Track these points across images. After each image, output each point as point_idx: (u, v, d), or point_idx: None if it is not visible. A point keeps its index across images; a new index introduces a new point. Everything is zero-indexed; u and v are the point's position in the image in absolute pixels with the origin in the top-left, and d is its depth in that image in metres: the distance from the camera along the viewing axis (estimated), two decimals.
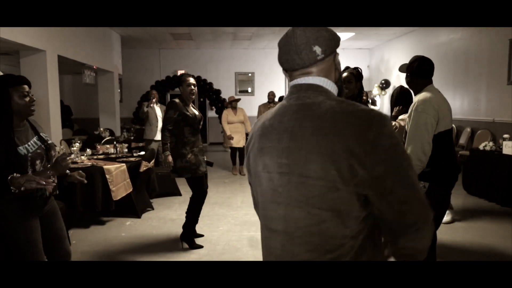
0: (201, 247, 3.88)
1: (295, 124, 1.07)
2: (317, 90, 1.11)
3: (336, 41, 1.13)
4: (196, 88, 3.81)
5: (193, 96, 3.80)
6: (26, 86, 2.09)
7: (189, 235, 3.90)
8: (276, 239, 1.11)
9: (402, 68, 2.73)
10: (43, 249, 2.20)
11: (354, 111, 1.03)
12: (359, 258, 1.06)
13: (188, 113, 3.72)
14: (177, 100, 3.78)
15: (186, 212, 3.88)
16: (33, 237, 2.13)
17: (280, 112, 1.14)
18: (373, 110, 1.07)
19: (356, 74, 3.26)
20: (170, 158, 3.74)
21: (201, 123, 3.90)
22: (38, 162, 2.12)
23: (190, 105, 3.85)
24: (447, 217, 4.62)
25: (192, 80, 3.78)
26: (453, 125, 2.69)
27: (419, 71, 2.61)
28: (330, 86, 1.12)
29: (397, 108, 3.92)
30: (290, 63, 1.13)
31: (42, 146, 2.18)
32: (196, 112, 3.85)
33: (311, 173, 1.02)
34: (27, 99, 2.08)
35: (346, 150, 0.98)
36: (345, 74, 3.26)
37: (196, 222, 3.96)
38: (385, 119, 1.02)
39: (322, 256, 1.05)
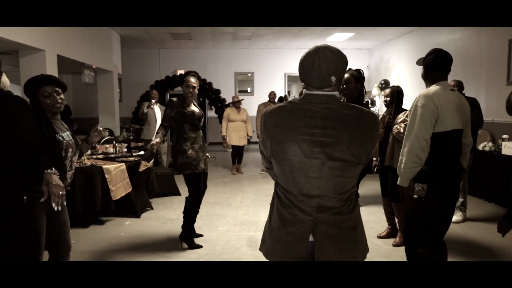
0: (200, 247, 3.88)
1: (326, 125, 1.52)
2: (334, 99, 1.56)
3: (346, 69, 1.61)
4: (195, 89, 3.81)
5: (191, 97, 3.81)
6: (48, 87, 2.32)
7: (188, 235, 3.90)
8: (312, 200, 1.57)
9: (419, 62, 2.62)
10: (46, 239, 2.25)
11: (362, 115, 1.55)
12: (355, 196, 1.67)
13: (185, 111, 3.73)
14: (174, 99, 3.82)
15: (183, 212, 3.88)
16: (42, 229, 2.18)
17: (307, 113, 1.55)
18: (371, 113, 1.60)
19: (356, 75, 3.26)
20: (157, 140, 3.66)
21: (202, 120, 3.91)
22: (70, 150, 2.38)
23: (192, 103, 3.87)
24: (457, 217, 4.62)
25: (192, 81, 3.79)
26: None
27: (433, 64, 2.50)
28: (337, 95, 1.59)
29: (389, 110, 3.94)
30: (311, 83, 1.55)
31: (73, 140, 2.44)
32: (196, 110, 3.85)
33: (341, 157, 1.52)
34: (49, 100, 2.31)
35: (362, 142, 1.53)
36: (346, 76, 3.25)
37: (194, 221, 3.96)
38: (377, 119, 1.61)
39: (342, 195, 1.58)
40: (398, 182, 2.51)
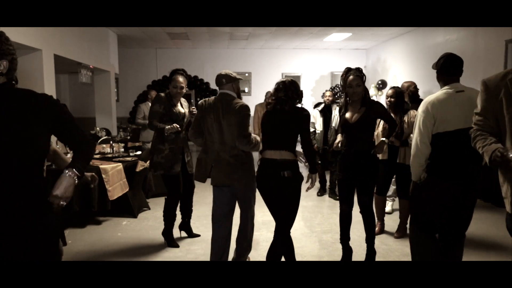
0: (177, 246, 3.90)
1: (223, 110, 3.01)
2: (231, 95, 3.07)
3: (235, 78, 3.14)
4: (183, 89, 3.73)
5: (179, 96, 3.76)
6: None
7: (167, 233, 3.95)
8: (216, 143, 3.05)
9: (433, 66, 2.78)
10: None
11: (240, 105, 2.99)
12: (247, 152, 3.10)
13: (173, 109, 3.69)
14: (162, 94, 3.76)
15: (163, 211, 3.93)
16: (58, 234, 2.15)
17: (217, 103, 3.05)
18: (244, 105, 3.00)
19: (361, 76, 3.17)
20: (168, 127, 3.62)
21: (185, 120, 3.84)
22: None
23: (178, 102, 3.82)
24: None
25: (180, 81, 3.69)
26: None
27: (443, 68, 2.67)
28: (233, 94, 3.09)
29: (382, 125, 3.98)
30: (219, 83, 3.10)
31: None
32: (182, 110, 3.81)
33: (230, 124, 2.97)
34: None
35: (241, 118, 2.96)
36: (351, 77, 3.15)
37: (173, 220, 3.96)
38: (246, 108, 3.00)
39: (231, 143, 3.00)
40: (412, 178, 2.78)
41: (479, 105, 2.00)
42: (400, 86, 4.41)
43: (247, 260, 3.40)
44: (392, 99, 4.01)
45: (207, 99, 3.12)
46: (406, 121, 3.95)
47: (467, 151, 2.54)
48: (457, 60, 2.67)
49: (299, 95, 2.94)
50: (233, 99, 3.03)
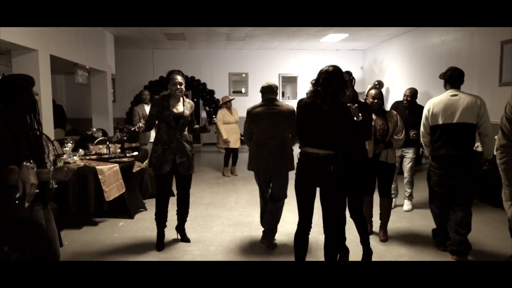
0: (162, 248, 3.87)
1: (271, 111, 3.69)
2: (275, 100, 3.76)
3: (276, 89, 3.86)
4: (182, 86, 3.74)
5: (179, 94, 3.75)
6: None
7: (158, 236, 3.92)
8: (266, 140, 3.69)
9: (441, 76, 3.68)
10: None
11: (287, 108, 3.68)
12: (288, 143, 3.73)
13: (164, 110, 3.69)
14: (157, 97, 3.86)
15: (155, 213, 3.93)
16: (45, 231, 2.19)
17: (265, 108, 3.72)
18: (288, 107, 3.69)
19: (350, 79, 3.15)
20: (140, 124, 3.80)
21: (181, 120, 3.75)
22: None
23: (178, 102, 3.80)
24: (407, 206, 5.20)
25: (178, 79, 3.72)
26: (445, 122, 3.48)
27: (446, 78, 3.55)
28: (276, 98, 3.78)
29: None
30: (270, 95, 3.77)
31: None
32: (177, 110, 3.75)
33: (277, 122, 3.65)
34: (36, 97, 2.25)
35: (284, 118, 3.65)
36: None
37: (164, 220, 3.93)
38: (289, 109, 3.65)
39: (277, 138, 3.65)
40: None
41: (505, 127, 2.25)
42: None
43: (274, 242, 3.85)
44: (380, 101, 3.95)
45: (254, 105, 3.79)
46: (389, 120, 3.93)
47: (454, 141, 3.42)
48: (457, 71, 3.53)
49: (341, 90, 2.73)
50: (278, 102, 3.73)
